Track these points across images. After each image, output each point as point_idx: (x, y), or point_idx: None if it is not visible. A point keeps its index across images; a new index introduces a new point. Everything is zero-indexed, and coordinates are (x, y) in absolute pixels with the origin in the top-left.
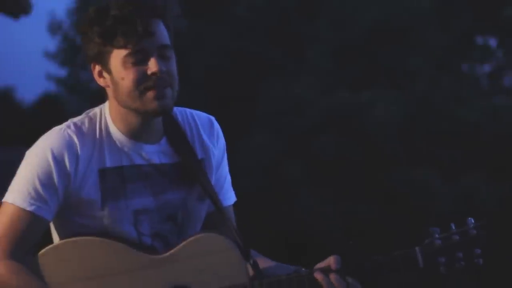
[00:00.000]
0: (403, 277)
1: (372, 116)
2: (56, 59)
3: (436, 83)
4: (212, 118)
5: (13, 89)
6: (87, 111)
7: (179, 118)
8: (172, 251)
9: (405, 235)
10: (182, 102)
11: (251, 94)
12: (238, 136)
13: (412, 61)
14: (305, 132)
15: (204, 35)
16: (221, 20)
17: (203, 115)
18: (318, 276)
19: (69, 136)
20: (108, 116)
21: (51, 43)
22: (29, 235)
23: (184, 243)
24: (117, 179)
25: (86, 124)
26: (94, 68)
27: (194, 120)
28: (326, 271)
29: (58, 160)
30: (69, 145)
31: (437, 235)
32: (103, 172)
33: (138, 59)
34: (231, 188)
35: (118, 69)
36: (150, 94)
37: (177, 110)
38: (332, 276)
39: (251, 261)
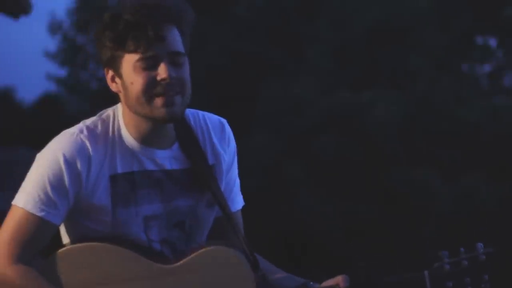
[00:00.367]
0: None
1: (372, 116)
2: (56, 59)
3: (436, 83)
4: (224, 121)
5: (13, 89)
6: (100, 112)
7: (192, 121)
8: (181, 261)
9: (405, 235)
10: None
11: (251, 94)
12: (238, 136)
13: (412, 61)
14: (305, 132)
15: (204, 35)
16: (221, 20)
17: (215, 118)
18: None
19: (82, 141)
20: (121, 119)
21: (51, 43)
22: (38, 239)
23: (193, 254)
24: (127, 185)
25: (99, 127)
26: (108, 73)
27: (206, 124)
28: None
29: (70, 164)
30: (82, 151)
31: (446, 259)
32: (114, 178)
33: (148, 64)
34: (240, 192)
35: (128, 74)
36: (159, 100)
37: (189, 112)
38: None
39: (260, 274)
